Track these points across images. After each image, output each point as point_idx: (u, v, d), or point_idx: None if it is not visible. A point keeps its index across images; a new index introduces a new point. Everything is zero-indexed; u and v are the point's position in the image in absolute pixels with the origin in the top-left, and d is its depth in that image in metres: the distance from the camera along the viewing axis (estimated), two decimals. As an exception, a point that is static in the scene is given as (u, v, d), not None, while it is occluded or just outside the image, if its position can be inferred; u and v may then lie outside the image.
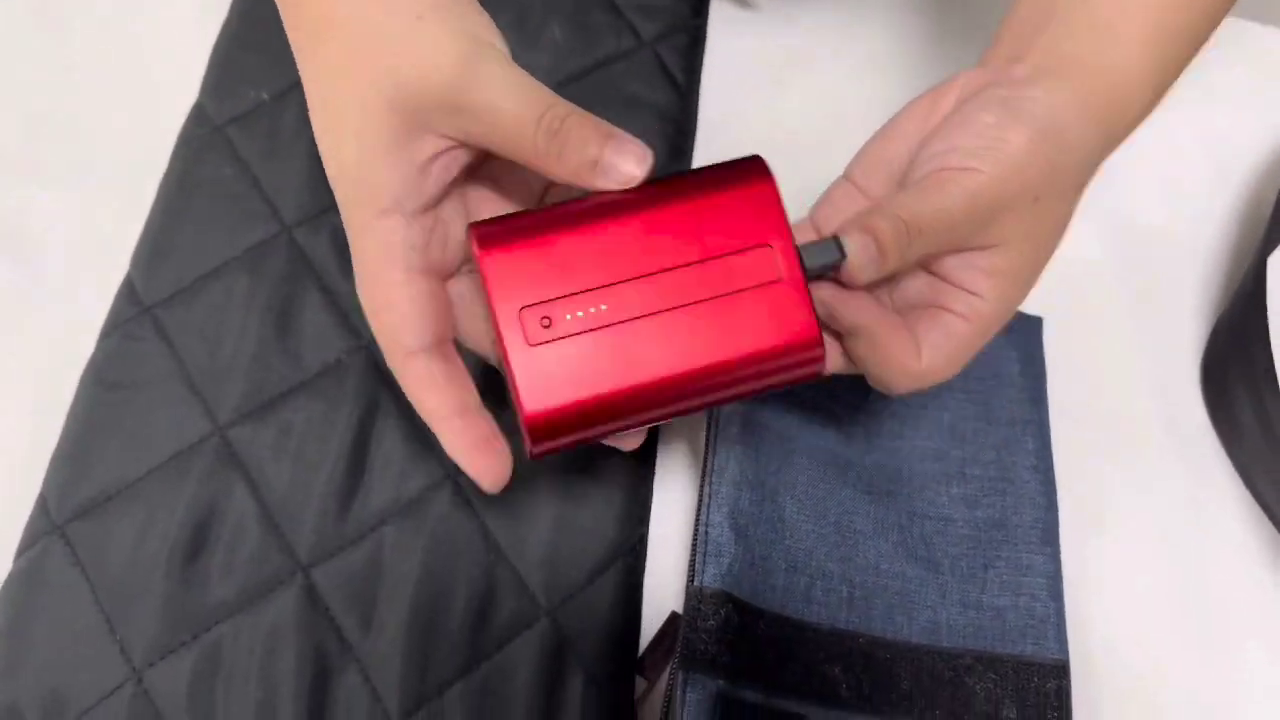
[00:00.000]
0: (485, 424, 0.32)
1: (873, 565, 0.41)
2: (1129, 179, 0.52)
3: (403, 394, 0.39)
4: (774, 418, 0.42)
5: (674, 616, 0.41)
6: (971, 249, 0.32)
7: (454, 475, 0.41)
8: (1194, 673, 0.42)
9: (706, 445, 0.41)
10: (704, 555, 0.39)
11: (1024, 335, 0.47)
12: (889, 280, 0.34)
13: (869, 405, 0.44)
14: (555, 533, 0.40)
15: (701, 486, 0.40)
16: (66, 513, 0.39)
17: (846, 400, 0.44)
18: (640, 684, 0.40)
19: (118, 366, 0.42)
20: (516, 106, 0.29)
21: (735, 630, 0.38)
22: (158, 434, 0.41)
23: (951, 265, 0.33)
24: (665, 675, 0.39)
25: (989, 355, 0.42)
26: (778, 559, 0.40)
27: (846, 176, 0.36)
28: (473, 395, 0.32)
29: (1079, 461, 0.45)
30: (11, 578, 0.39)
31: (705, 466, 0.41)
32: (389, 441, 0.41)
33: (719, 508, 0.40)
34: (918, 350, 0.32)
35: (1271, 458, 0.44)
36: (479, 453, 0.31)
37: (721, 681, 0.37)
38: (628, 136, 0.30)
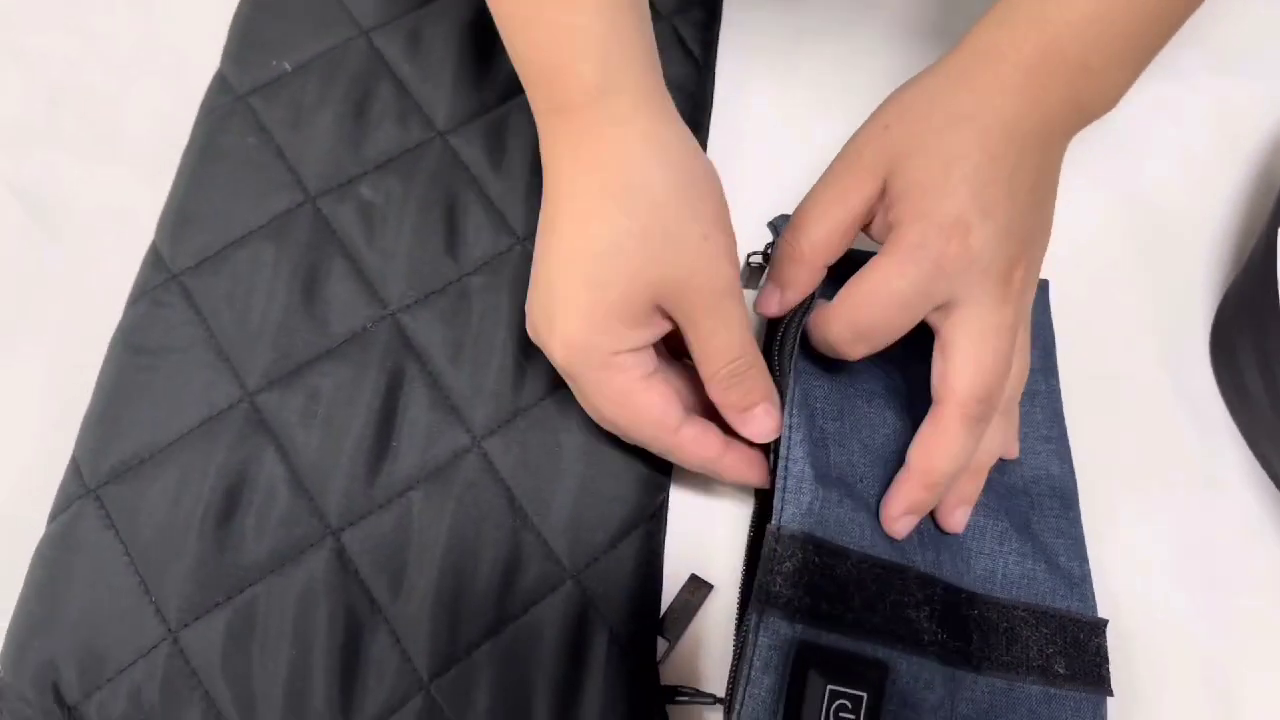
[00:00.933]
0: (747, 448, 0.40)
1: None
2: (1140, 149, 0.53)
3: (429, 363, 0.42)
4: (834, 376, 0.42)
5: (693, 579, 0.42)
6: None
7: (480, 442, 0.42)
8: (1200, 630, 0.43)
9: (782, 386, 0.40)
10: (783, 492, 0.37)
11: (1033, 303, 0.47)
12: None
13: (912, 368, 0.42)
14: (579, 498, 0.41)
15: (783, 423, 0.39)
16: (99, 476, 0.40)
17: (897, 359, 0.42)
18: (661, 644, 0.41)
19: (146, 332, 0.43)
20: (729, 342, 0.37)
21: (815, 572, 0.37)
22: (187, 399, 0.41)
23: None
24: (697, 628, 0.41)
25: None
26: (858, 499, 0.39)
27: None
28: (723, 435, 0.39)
29: (1090, 427, 0.46)
30: (46, 540, 0.39)
31: (785, 400, 0.40)
32: (415, 408, 0.42)
33: (799, 444, 0.39)
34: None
35: (1278, 425, 0.45)
36: (753, 466, 0.40)
37: (800, 626, 0.36)
38: (774, 410, 0.39)
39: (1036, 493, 0.43)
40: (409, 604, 0.39)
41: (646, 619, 0.40)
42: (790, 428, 0.39)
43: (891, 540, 0.39)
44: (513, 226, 0.46)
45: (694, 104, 0.50)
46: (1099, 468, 0.46)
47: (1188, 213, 0.52)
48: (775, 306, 0.41)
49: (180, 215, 0.45)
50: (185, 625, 0.38)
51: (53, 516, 0.40)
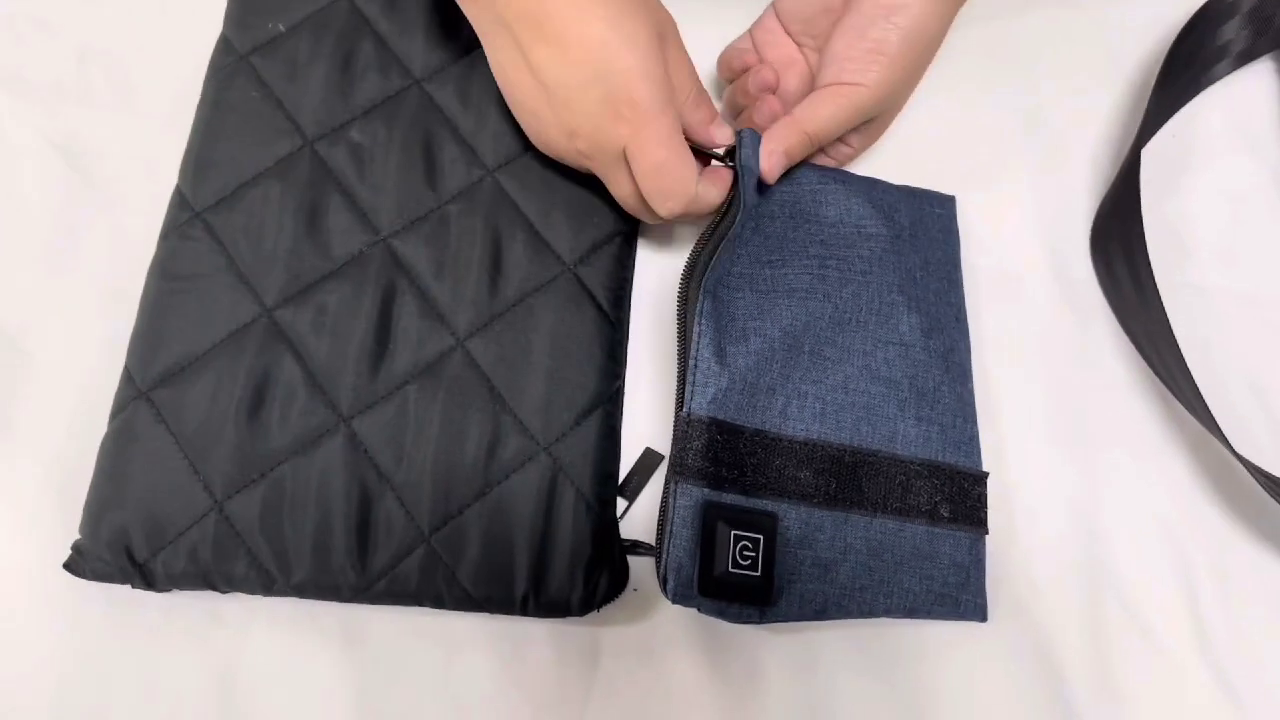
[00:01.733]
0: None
1: (841, 385, 0.48)
2: (1032, 68, 0.60)
3: (417, 279, 0.50)
4: (754, 270, 0.50)
5: (648, 451, 0.51)
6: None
7: (463, 342, 0.49)
8: (1068, 477, 0.52)
9: (687, 298, 0.49)
10: (693, 386, 0.46)
11: (944, 208, 0.55)
12: None
13: (845, 249, 0.51)
14: (548, 385, 0.49)
15: (690, 327, 0.47)
16: (148, 381, 0.48)
17: (830, 241, 0.51)
18: (621, 503, 0.49)
19: (177, 262, 0.50)
20: (692, 68, 0.50)
21: (718, 447, 0.45)
22: (216, 316, 0.49)
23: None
24: (648, 491, 0.49)
25: (925, 219, 0.53)
26: (761, 384, 0.47)
27: (775, 13, 0.56)
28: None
29: (987, 312, 0.54)
30: (109, 435, 0.47)
31: (691, 311, 0.48)
32: (407, 317, 0.49)
33: (706, 345, 0.46)
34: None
35: (1141, 305, 0.53)
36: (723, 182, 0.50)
37: (706, 489, 0.44)
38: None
39: (953, 359, 0.50)
40: (410, 474, 0.47)
41: (608, 482, 0.49)
42: (699, 333, 0.47)
43: (785, 417, 0.47)
44: (483, 160, 0.53)
45: None
46: (993, 343, 0.54)
47: (1073, 127, 0.60)
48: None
49: (199, 161, 0.52)
50: (228, 497, 0.46)
51: (113, 416, 0.48)
